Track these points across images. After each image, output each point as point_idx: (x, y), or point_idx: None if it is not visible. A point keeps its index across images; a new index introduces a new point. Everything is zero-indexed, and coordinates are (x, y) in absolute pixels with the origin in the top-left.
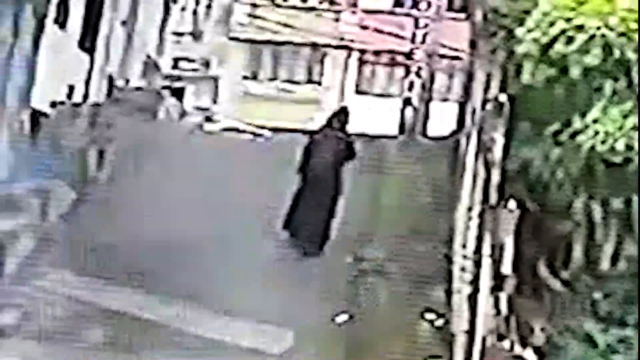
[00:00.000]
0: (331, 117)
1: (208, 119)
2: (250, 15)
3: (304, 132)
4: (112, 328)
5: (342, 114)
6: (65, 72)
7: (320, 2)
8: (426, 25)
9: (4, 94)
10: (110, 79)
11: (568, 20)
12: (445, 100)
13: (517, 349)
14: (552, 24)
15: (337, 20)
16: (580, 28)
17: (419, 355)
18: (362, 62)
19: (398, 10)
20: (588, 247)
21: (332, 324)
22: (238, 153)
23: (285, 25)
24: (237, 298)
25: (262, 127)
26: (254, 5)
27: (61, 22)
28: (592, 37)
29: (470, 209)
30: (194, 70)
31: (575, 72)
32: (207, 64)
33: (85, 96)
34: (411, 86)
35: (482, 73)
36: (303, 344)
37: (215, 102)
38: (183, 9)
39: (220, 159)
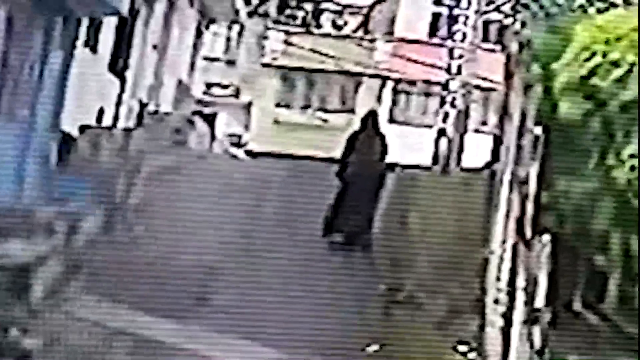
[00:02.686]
0: (364, 119)
1: (239, 146)
2: (283, 42)
3: (335, 160)
4: (139, 356)
5: (372, 115)
6: (95, 96)
7: (355, 30)
8: (461, 56)
9: (33, 117)
10: (141, 104)
11: (604, 54)
12: (480, 131)
13: None
14: (588, 58)
15: (372, 48)
16: (616, 62)
17: None
18: (396, 92)
19: (433, 40)
20: (623, 281)
21: (362, 354)
22: (270, 180)
23: (319, 52)
24: (268, 326)
25: (294, 155)
26: (288, 33)
27: (92, 45)
28: (629, 71)
29: (504, 242)
30: (226, 96)
31: (611, 106)
32: (239, 91)
33: (115, 120)
34: (446, 117)
35: (517, 105)
36: None
37: (247, 128)
38: (215, 34)
39: (251, 186)
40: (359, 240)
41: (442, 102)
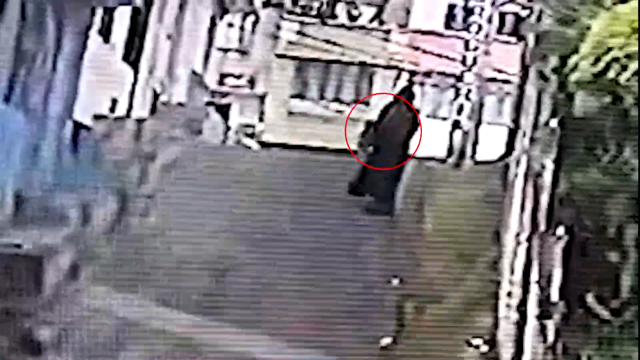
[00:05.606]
0: (399, 93)
1: (253, 137)
2: (298, 32)
3: (351, 152)
4: (153, 347)
5: (408, 90)
6: (108, 86)
7: (370, 21)
8: (477, 48)
9: (46, 106)
10: (155, 94)
11: (621, 47)
12: (495, 123)
13: None
14: (605, 51)
15: (386, 39)
16: (633, 56)
17: None
18: (411, 83)
19: (449, 32)
20: (637, 276)
21: (375, 347)
22: (283, 170)
23: (334, 43)
24: (283, 319)
25: (308, 146)
26: (302, 23)
27: (105, 34)
28: None
29: (518, 235)
30: (240, 87)
31: (628, 100)
32: (253, 81)
33: (129, 110)
34: (461, 109)
35: (532, 98)
36: None
37: (261, 119)
38: (230, 24)
39: (265, 176)
40: (383, 206)
41: (457, 94)
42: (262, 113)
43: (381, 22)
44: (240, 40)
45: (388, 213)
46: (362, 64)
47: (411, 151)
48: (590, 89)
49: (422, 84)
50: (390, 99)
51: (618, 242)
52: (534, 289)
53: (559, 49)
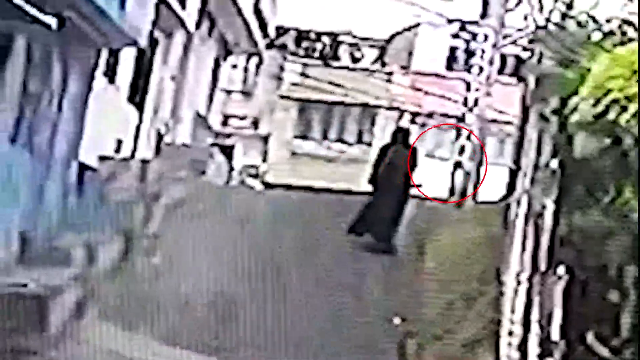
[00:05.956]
0: (394, 134)
1: (257, 177)
2: (301, 74)
3: (353, 192)
4: None
5: (402, 131)
6: (113, 127)
7: (372, 63)
8: (478, 89)
9: (52, 147)
10: (159, 135)
11: (621, 89)
12: (496, 164)
13: None
14: (605, 93)
15: (389, 81)
16: (633, 97)
17: None
18: (413, 124)
19: (450, 73)
20: (637, 316)
21: None
22: (287, 210)
23: (337, 85)
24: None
25: (311, 187)
26: (305, 65)
27: (110, 75)
28: None
29: (519, 274)
30: (244, 128)
31: (627, 141)
32: (256, 122)
33: (134, 151)
34: (462, 150)
35: (533, 139)
36: None
37: (264, 160)
38: (234, 66)
39: (268, 216)
40: (384, 245)
41: (458, 135)
42: (265, 154)
43: (383, 64)
44: (244, 81)
45: (389, 252)
46: (365, 105)
47: (410, 191)
48: (590, 131)
49: (423, 124)
50: (388, 139)
51: (618, 282)
52: (535, 328)
53: (559, 90)
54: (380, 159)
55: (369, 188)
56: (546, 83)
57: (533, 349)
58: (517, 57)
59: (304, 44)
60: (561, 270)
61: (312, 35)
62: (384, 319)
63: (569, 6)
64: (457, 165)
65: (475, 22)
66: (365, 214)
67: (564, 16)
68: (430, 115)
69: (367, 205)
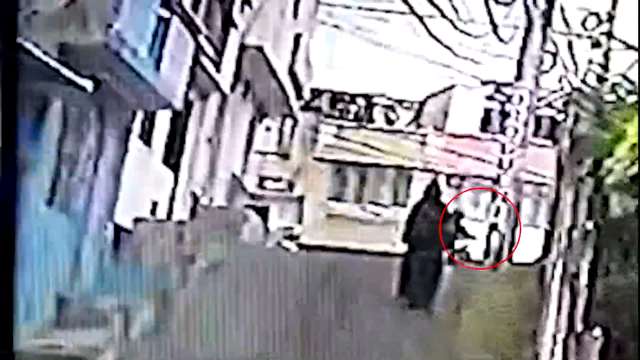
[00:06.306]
0: (427, 190)
1: (292, 239)
2: (336, 136)
3: (389, 255)
4: None
5: (435, 186)
6: (149, 189)
7: (407, 125)
8: (512, 151)
9: (88, 209)
10: (195, 197)
11: None
12: (531, 226)
13: None
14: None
15: (423, 143)
16: None
17: None
18: (448, 186)
19: (484, 135)
20: None
21: None
22: (322, 272)
23: (371, 147)
24: None
25: (347, 249)
26: (340, 127)
27: (146, 138)
28: None
29: (555, 335)
30: (279, 190)
31: None
32: (291, 184)
33: (170, 213)
34: (497, 211)
35: (568, 200)
36: None
37: (300, 222)
38: (268, 128)
39: (304, 278)
40: (421, 306)
41: (494, 197)
42: (300, 215)
43: (418, 126)
44: (279, 143)
45: (426, 313)
46: (399, 167)
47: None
48: (625, 192)
49: (458, 186)
50: (419, 197)
51: None
52: None
53: (594, 152)
54: (414, 216)
55: (404, 247)
56: (581, 145)
57: None
58: (552, 118)
59: (339, 105)
60: (597, 331)
61: (347, 97)
62: None
63: (604, 68)
64: (493, 227)
65: (510, 84)
66: (402, 276)
67: (599, 78)
68: (464, 177)
69: (402, 266)
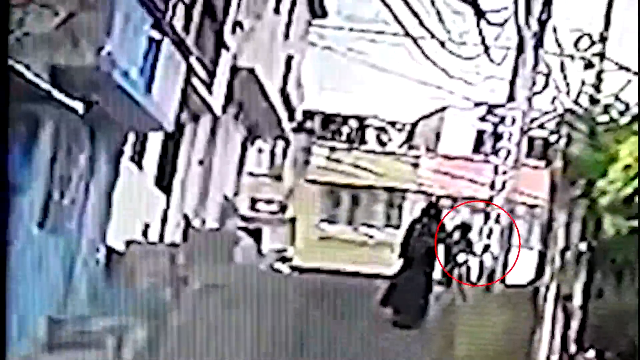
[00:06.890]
0: (426, 208)
1: (285, 261)
2: (328, 158)
3: (381, 277)
4: None
5: (434, 205)
6: (141, 211)
7: (399, 147)
8: (505, 172)
9: (80, 232)
10: (187, 219)
11: None
12: (524, 247)
13: None
14: (633, 177)
15: (415, 165)
16: None
17: None
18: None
19: (477, 157)
20: None
21: None
22: (315, 294)
23: (364, 168)
24: None
25: (339, 271)
26: (332, 149)
27: (137, 160)
28: None
29: (548, 358)
30: (271, 212)
31: None
32: (284, 206)
33: (161, 235)
34: (490, 233)
35: (561, 221)
36: None
37: (292, 243)
38: (260, 150)
39: (297, 299)
40: (409, 319)
41: (486, 218)
42: (293, 237)
43: (411, 147)
44: (271, 165)
45: (414, 327)
46: (392, 189)
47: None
48: (618, 213)
49: (451, 208)
50: (418, 214)
51: None
52: None
53: (587, 173)
54: (410, 233)
55: (399, 263)
56: (574, 166)
57: None
58: (545, 139)
59: (331, 127)
60: (591, 353)
61: (339, 119)
62: None
63: (597, 89)
64: (486, 248)
65: (502, 105)
66: (393, 288)
67: (591, 99)
68: (456, 198)
69: (395, 279)
